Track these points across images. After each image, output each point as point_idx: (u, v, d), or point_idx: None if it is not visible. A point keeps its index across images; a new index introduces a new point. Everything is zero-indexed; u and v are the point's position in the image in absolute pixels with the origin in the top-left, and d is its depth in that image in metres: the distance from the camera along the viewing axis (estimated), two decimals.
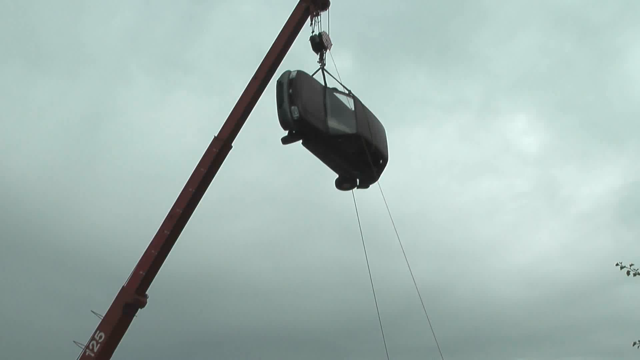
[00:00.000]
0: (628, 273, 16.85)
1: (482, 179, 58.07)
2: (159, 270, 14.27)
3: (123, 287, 13.91)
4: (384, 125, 15.25)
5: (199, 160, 14.25)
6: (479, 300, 50.22)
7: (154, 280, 14.22)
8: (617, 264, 16.89)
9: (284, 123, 13.28)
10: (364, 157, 14.14)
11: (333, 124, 13.71)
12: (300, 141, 13.61)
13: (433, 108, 56.97)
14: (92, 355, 13.64)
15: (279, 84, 13.54)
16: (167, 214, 14.08)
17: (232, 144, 14.51)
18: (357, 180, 14.81)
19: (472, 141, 57.99)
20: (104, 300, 14.17)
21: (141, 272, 13.85)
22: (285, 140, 13.49)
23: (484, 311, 49.69)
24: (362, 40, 44.88)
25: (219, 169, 14.43)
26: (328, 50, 15.83)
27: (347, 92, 14.63)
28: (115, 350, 14.02)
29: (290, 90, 13.30)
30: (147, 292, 14.06)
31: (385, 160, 14.88)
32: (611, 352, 44.10)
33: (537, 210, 56.73)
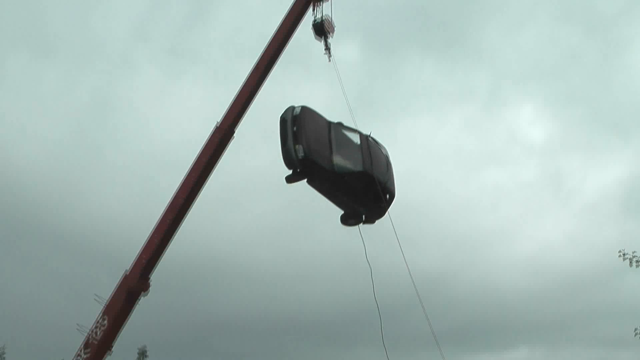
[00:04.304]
0: (630, 264, 16.91)
1: (488, 169, 58.07)
2: (163, 257, 14.41)
3: (126, 273, 14.11)
4: (389, 155, 14.81)
5: (201, 149, 14.40)
6: (484, 288, 50.30)
7: (158, 266, 14.37)
8: (619, 252, 16.92)
9: (289, 162, 12.83)
10: (370, 193, 13.85)
11: (338, 160, 13.28)
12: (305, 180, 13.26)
13: (439, 98, 56.95)
14: (96, 340, 13.82)
15: (283, 120, 13.08)
16: (169, 201, 14.25)
17: (235, 133, 14.58)
18: (363, 216, 14.45)
19: (478, 131, 57.97)
20: (109, 285, 14.35)
21: (144, 258, 14.04)
22: (290, 179, 13.04)
23: (489, 299, 49.78)
24: (369, 31, 44.86)
25: (222, 158, 14.51)
26: (330, 35, 15.77)
27: (353, 127, 14.21)
28: (119, 335, 14.19)
29: (295, 128, 12.86)
30: (150, 278, 14.19)
31: (393, 196, 14.40)
32: (614, 341, 44.12)
33: (543, 200, 56.74)
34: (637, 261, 16.74)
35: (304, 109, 13.23)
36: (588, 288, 51.76)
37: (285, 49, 15.26)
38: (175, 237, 14.40)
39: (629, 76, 57.88)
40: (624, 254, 16.86)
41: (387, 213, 14.15)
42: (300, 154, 12.62)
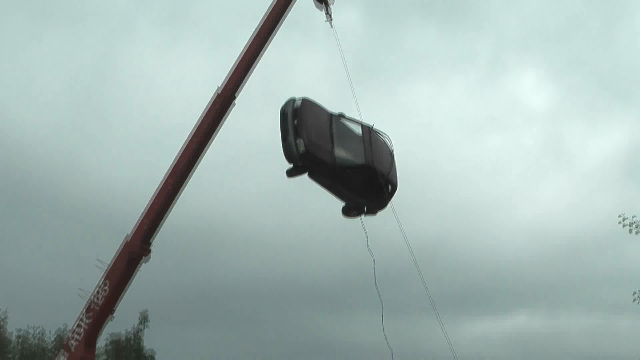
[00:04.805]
0: (630, 231, 17.00)
1: (489, 135, 58.00)
2: (165, 223, 14.52)
3: (127, 238, 14.25)
4: (393, 145, 14.58)
5: (202, 115, 14.36)
6: (484, 254, 50.45)
7: (159, 231, 14.51)
8: (619, 216, 17.00)
9: (289, 157, 12.73)
10: (372, 186, 13.75)
11: (340, 153, 13.16)
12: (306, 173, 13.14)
13: (441, 64, 56.71)
14: (97, 305, 13.96)
15: (283, 113, 12.92)
16: (170, 166, 14.31)
17: (236, 99, 14.53)
18: (365, 207, 14.35)
19: (479, 97, 57.84)
20: (111, 250, 14.44)
21: (145, 223, 14.17)
22: (290, 174, 12.95)
23: (488, 265, 49.95)
24: None
25: (223, 123, 14.49)
26: (331, 2, 15.62)
27: (354, 119, 13.98)
28: (120, 300, 14.30)
29: (295, 121, 12.70)
30: (151, 243, 14.30)
31: (395, 188, 14.26)
32: (613, 306, 44.40)
33: (544, 167, 56.80)
34: (636, 226, 16.87)
35: (305, 101, 13.05)
36: (588, 254, 51.99)
37: (287, 15, 15.12)
38: (177, 202, 14.48)
39: (632, 42, 57.64)
40: (623, 219, 16.98)
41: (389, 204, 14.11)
42: (301, 148, 12.49)
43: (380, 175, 13.61)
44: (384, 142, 14.20)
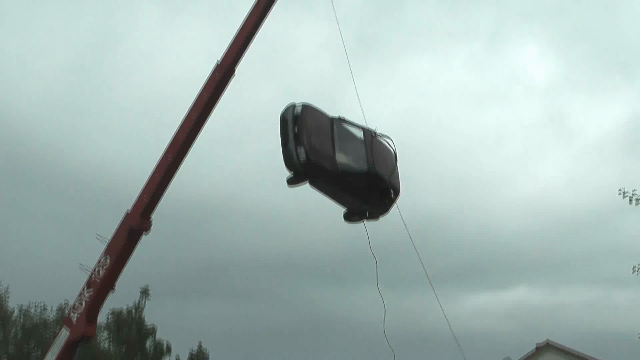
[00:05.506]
0: (630, 201, 17.08)
1: (490, 109, 57.91)
2: (165, 196, 14.52)
3: (127, 211, 14.24)
4: (396, 148, 14.37)
5: (201, 87, 14.27)
6: (485, 229, 50.63)
7: (159, 206, 14.49)
8: (619, 190, 17.09)
9: (290, 165, 12.42)
10: (374, 191, 13.60)
11: (342, 159, 12.84)
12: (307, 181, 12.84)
13: (442, 36, 56.46)
14: (98, 279, 14.00)
15: (283, 120, 12.58)
16: (170, 139, 14.25)
17: (236, 71, 14.44)
18: (367, 212, 14.18)
19: (481, 70, 57.67)
20: (112, 225, 14.46)
21: (145, 198, 14.16)
22: (291, 182, 12.64)
23: (489, 240, 50.17)
24: None
25: (222, 96, 14.42)
26: None
27: (356, 123, 13.74)
28: (121, 274, 14.33)
29: (296, 129, 12.37)
30: (151, 218, 14.33)
31: (397, 193, 13.95)
32: (613, 279, 44.63)
33: (544, 141, 56.77)
34: (637, 199, 16.94)
35: (305, 107, 12.70)
36: (588, 228, 52.20)
37: None
38: (176, 176, 14.45)
39: (635, 14, 57.41)
40: (624, 192, 17.07)
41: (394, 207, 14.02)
42: (302, 157, 12.21)
43: (383, 181, 13.47)
44: (387, 146, 13.97)
